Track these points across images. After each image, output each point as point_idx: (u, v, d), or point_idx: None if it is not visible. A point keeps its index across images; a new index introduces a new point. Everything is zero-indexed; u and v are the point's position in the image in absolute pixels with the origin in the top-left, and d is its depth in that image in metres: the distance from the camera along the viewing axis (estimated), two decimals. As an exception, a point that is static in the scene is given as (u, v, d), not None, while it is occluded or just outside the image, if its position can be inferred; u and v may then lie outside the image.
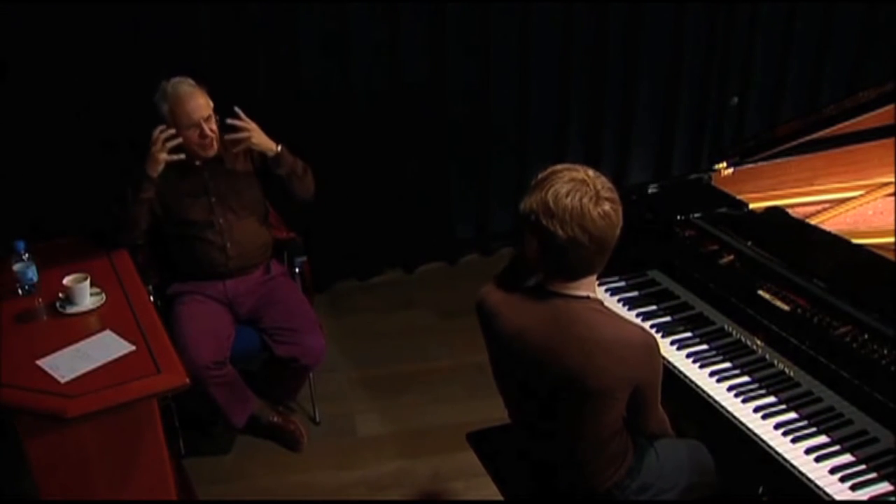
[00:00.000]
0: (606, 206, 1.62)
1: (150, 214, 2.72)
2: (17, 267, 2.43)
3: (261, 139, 2.72)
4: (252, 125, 2.71)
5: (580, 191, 1.61)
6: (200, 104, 2.65)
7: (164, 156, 2.60)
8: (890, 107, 2.39)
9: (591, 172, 1.66)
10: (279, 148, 2.75)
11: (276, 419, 2.96)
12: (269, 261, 2.96)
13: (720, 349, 2.09)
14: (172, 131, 2.61)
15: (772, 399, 1.91)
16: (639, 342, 1.66)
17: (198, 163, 2.74)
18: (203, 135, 2.65)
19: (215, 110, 2.69)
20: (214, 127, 2.69)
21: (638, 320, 2.23)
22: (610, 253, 1.67)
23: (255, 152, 2.81)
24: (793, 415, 1.86)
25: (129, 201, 2.64)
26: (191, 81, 2.68)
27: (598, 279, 1.78)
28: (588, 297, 1.71)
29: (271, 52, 3.53)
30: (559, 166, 1.68)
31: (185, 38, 3.29)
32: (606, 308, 1.72)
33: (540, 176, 1.68)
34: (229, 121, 2.68)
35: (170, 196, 2.73)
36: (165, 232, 2.79)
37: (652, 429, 1.86)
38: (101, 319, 2.33)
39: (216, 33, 3.37)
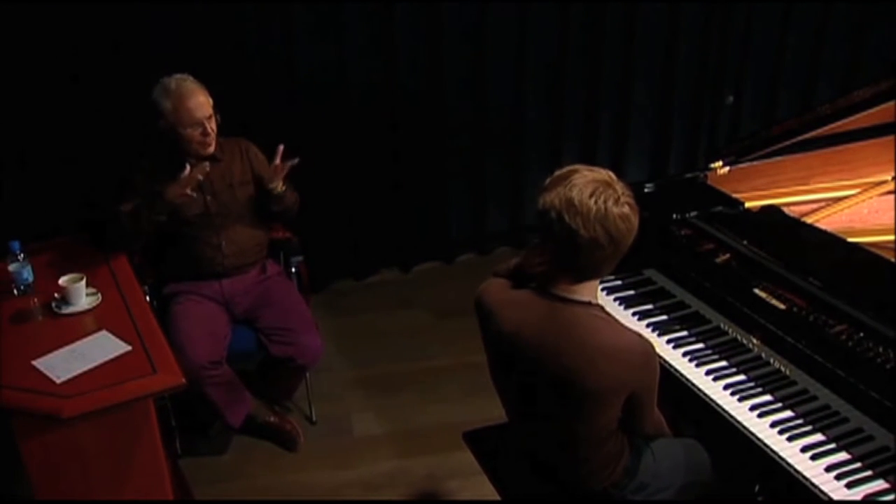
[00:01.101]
0: (627, 210, 1.63)
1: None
2: (12, 267, 2.42)
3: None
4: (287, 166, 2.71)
5: (605, 193, 1.61)
6: (202, 102, 2.65)
7: (188, 191, 2.56)
8: (885, 105, 2.39)
9: (612, 175, 1.67)
10: (283, 188, 2.74)
11: (272, 419, 2.96)
12: (265, 260, 2.96)
13: (716, 348, 2.09)
14: (207, 167, 2.60)
15: (768, 397, 1.92)
16: (636, 349, 1.67)
17: (194, 161, 2.74)
18: (205, 133, 2.66)
19: (214, 109, 2.70)
20: (214, 125, 2.69)
21: (634, 319, 2.23)
22: (620, 258, 1.68)
23: (253, 160, 2.84)
24: (788, 413, 1.86)
25: (142, 220, 2.61)
26: (192, 79, 2.68)
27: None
28: (589, 303, 1.71)
29: (267, 50, 3.52)
30: (578, 165, 1.68)
31: (183, 39, 3.28)
32: (607, 314, 1.73)
33: (559, 173, 1.68)
34: (277, 162, 2.67)
35: None
36: (162, 231, 2.79)
37: (648, 431, 1.86)
38: (97, 320, 2.32)
39: (211, 32, 3.36)
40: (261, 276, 2.91)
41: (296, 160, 2.71)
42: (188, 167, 2.59)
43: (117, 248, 2.70)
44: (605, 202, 1.60)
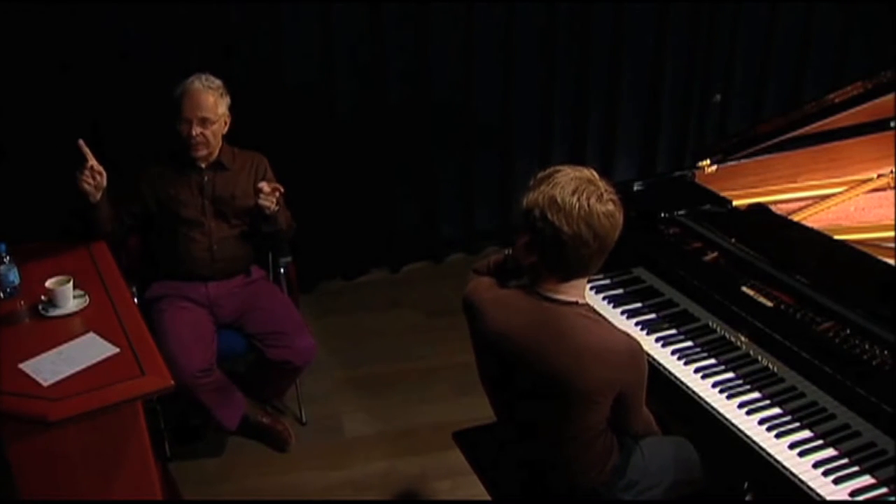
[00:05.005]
0: (611, 207, 1.64)
1: (131, 215, 2.75)
2: (-2, 270, 2.41)
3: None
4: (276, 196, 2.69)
5: (587, 189, 1.62)
6: (201, 103, 2.63)
7: (88, 187, 2.52)
8: (871, 103, 2.41)
9: (594, 172, 1.67)
10: (275, 208, 2.70)
11: (264, 419, 2.95)
12: (250, 265, 2.95)
13: (705, 346, 2.10)
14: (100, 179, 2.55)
15: (756, 395, 1.92)
16: (624, 348, 1.67)
17: (202, 164, 2.73)
18: (190, 133, 2.64)
19: (223, 119, 2.70)
20: (209, 132, 2.67)
21: (623, 318, 2.24)
22: (607, 255, 1.68)
23: (263, 176, 2.82)
24: (776, 410, 1.87)
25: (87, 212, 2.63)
26: (212, 83, 2.67)
27: (583, 279, 1.78)
28: (577, 303, 1.71)
29: (255, 51, 3.51)
30: (561, 166, 1.69)
31: (182, 40, 3.28)
32: (595, 313, 1.73)
33: (542, 174, 1.68)
34: (260, 185, 2.66)
35: (166, 191, 2.74)
36: (156, 224, 2.79)
37: (637, 430, 1.87)
38: (85, 322, 2.31)
39: (203, 32, 3.36)
40: (245, 280, 2.90)
41: (281, 188, 2.69)
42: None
43: (90, 234, 2.69)
44: (588, 199, 1.61)
